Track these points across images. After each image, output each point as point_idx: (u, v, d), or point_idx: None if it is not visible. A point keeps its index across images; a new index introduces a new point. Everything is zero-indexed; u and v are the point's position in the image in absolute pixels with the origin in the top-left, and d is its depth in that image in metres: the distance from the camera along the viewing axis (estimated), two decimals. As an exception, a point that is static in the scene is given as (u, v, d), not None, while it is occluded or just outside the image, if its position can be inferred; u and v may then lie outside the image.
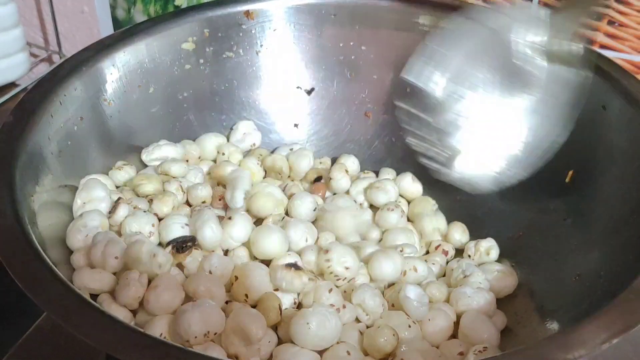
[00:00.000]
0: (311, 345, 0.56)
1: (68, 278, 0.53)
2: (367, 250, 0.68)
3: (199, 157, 0.84)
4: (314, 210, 0.75)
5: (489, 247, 0.74)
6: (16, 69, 1.11)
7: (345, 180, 0.81)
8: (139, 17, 1.12)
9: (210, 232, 0.66)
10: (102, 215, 0.67)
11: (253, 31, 0.86)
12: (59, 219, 0.66)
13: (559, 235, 0.71)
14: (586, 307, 0.62)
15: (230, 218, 0.69)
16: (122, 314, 0.59)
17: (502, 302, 0.70)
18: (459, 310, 0.64)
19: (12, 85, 1.13)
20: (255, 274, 0.62)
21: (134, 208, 0.71)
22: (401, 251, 0.69)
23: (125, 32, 0.79)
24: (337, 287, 0.63)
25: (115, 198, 0.71)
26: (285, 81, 0.89)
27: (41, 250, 0.55)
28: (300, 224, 0.70)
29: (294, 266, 0.61)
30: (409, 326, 0.60)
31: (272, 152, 0.88)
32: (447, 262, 0.74)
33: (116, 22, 1.15)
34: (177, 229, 0.68)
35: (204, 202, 0.74)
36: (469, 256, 0.74)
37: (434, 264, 0.72)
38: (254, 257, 0.69)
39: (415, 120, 0.54)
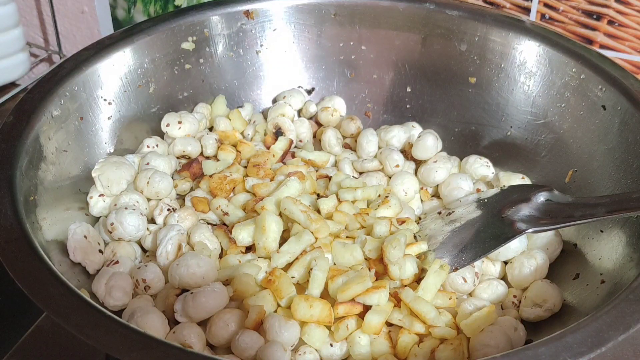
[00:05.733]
0: None
1: (69, 279, 0.53)
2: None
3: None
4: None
5: None
6: (16, 69, 1.11)
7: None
8: (139, 17, 1.12)
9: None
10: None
11: (253, 31, 0.86)
12: (59, 219, 0.66)
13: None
14: (586, 307, 0.62)
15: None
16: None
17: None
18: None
19: (12, 85, 1.13)
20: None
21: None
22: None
23: (125, 32, 0.79)
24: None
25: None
26: (285, 81, 0.89)
27: (41, 251, 0.55)
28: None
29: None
30: None
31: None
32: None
33: (116, 22, 1.15)
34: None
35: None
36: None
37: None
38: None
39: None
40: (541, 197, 0.68)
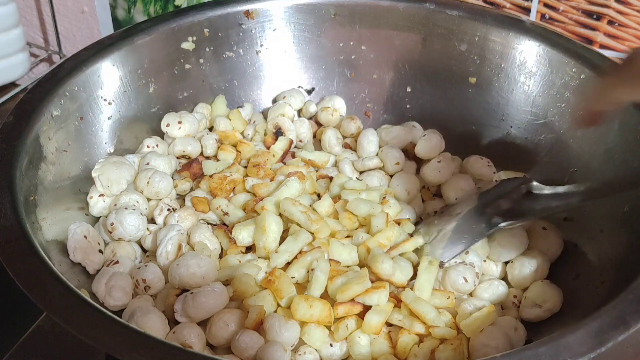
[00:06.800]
0: None
1: (69, 279, 0.53)
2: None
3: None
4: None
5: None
6: (16, 69, 1.11)
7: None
8: (139, 17, 1.12)
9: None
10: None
11: (253, 31, 0.86)
12: (59, 219, 0.66)
13: (559, 235, 0.72)
14: (586, 307, 0.62)
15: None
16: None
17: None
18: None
19: (12, 85, 1.13)
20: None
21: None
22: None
23: (125, 32, 0.79)
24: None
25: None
26: (285, 81, 0.89)
27: (41, 251, 0.55)
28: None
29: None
30: None
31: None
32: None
33: (116, 22, 1.15)
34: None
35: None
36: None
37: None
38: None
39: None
40: (522, 190, 0.69)
